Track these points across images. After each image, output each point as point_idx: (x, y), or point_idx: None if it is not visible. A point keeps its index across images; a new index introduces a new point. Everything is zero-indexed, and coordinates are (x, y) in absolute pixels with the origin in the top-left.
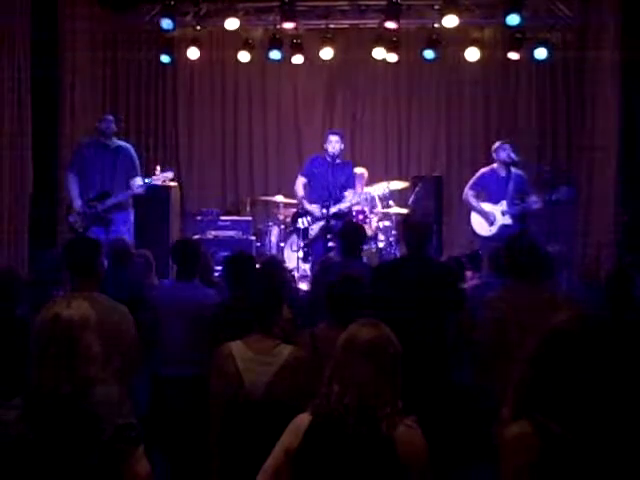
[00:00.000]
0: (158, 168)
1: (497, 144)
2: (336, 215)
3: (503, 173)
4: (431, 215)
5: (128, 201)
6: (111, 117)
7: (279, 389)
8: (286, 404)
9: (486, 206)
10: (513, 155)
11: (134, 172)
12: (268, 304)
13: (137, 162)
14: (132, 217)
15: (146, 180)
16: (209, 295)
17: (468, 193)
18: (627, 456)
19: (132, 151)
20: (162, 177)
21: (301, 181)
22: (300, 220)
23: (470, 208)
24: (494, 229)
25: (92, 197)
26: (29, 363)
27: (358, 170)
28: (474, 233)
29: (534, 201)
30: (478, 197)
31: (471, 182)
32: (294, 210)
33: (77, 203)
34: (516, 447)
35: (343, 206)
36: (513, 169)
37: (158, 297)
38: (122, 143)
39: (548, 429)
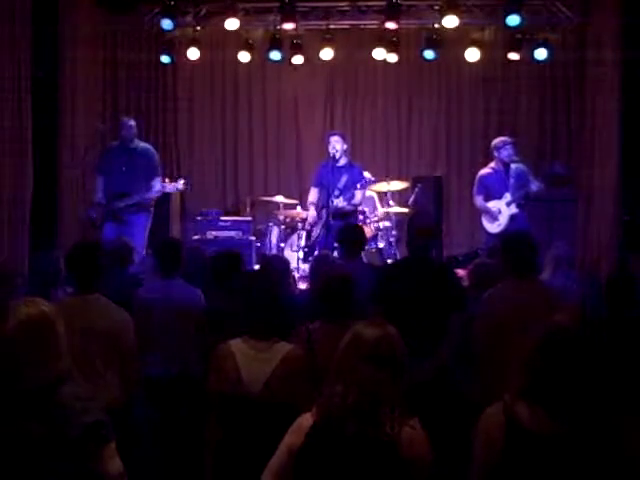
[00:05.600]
0: (179, 182)
1: (499, 140)
2: (336, 215)
3: (502, 169)
4: (431, 215)
5: (148, 203)
6: (132, 122)
7: (277, 386)
8: (284, 401)
9: (491, 203)
10: (514, 157)
11: (153, 173)
12: (266, 303)
13: (156, 162)
14: (150, 219)
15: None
16: (194, 294)
17: (477, 199)
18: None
19: (152, 152)
20: (173, 187)
21: (313, 191)
22: (307, 223)
23: (482, 211)
24: (502, 222)
25: (111, 195)
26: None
27: (367, 193)
28: (487, 233)
29: (533, 184)
30: (484, 199)
31: (475, 188)
32: (294, 210)
33: (98, 196)
34: (482, 427)
35: (355, 200)
36: (513, 164)
37: (143, 296)
38: (143, 144)
39: (515, 417)
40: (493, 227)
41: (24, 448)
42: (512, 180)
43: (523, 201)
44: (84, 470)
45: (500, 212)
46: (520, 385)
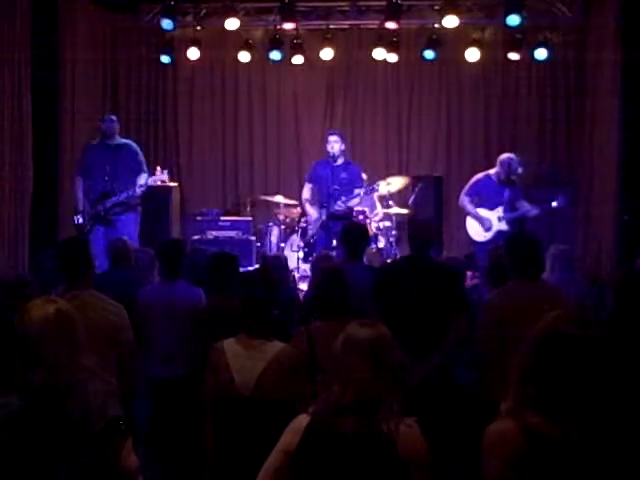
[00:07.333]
0: (158, 168)
1: (506, 157)
2: (334, 216)
3: (499, 180)
4: (431, 215)
5: (134, 201)
6: (113, 117)
7: (269, 384)
8: (276, 400)
9: (482, 212)
10: (516, 166)
11: (138, 168)
12: (260, 303)
13: (141, 158)
14: (138, 218)
15: (144, 181)
16: (197, 295)
17: (464, 199)
18: (615, 457)
19: (135, 148)
20: (158, 178)
21: (307, 187)
22: (302, 219)
23: (466, 213)
24: (489, 235)
25: (95, 198)
26: (27, 360)
27: None
28: (469, 238)
29: (529, 209)
30: (473, 202)
31: (466, 188)
32: (294, 210)
33: (81, 204)
34: (497, 444)
35: (352, 203)
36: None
37: (146, 298)
38: (124, 140)
39: (532, 428)
40: (479, 235)
41: (49, 443)
42: (507, 191)
43: (516, 221)
44: (106, 464)
45: (491, 224)
46: (522, 394)
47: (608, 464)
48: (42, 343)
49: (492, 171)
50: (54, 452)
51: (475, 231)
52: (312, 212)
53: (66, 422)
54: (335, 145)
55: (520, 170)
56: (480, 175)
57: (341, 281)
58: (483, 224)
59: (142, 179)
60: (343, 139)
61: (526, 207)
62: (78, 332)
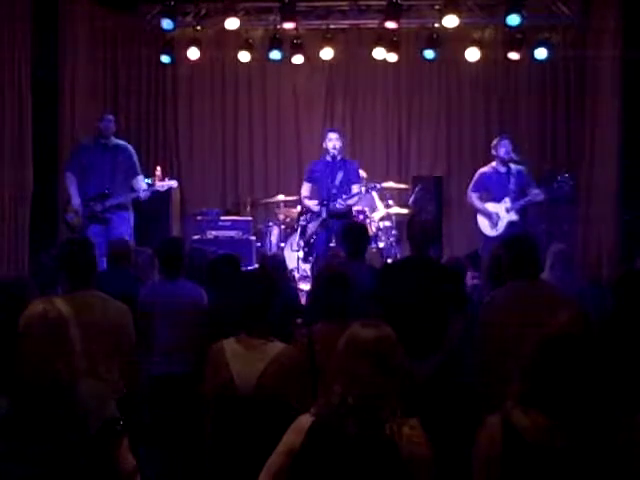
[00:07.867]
0: (158, 168)
1: (497, 140)
2: (334, 214)
3: (503, 169)
4: (431, 215)
5: (128, 201)
6: (111, 117)
7: (268, 385)
8: (276, 400)
9: (489, 206)
10: (512, 154)
11: (134, 171)
12: (260, 303)
13: (136, 161)
14: (132, 217)
15: (148, 181)
16: (197, 293)
17: (471, 195)
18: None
19: (131, 150)
20: (166, 185)
21: (306, 186)
22: (302, 218)
23: (475, 210)
24: (500, 228)
25: (91, 197)
26: (17, 360)
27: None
28: (482, 234)
29: (536, 193)
30: (481, 198)
31: (472, 183)
32: (294, 210)
33: (75, 201)
34: (480, 443)
35: (351, 201)
36: (513, 165)
37: (147, 296)
38: (120, 142)
39: (511, 424)
40: (490, 230)
41: (45, 444)
42: (513, 180)
43: (524, 209)
44: (103, 465)
45: (499, 217)
46: (519, 392)
47: (602, 465)
48: (29, 342)
49: (494, 163)
50: (51, 453)
51: (485, 226)
52: (312, 204)
53: (63, 423)
54: (337, 143)
55: (514, 156)
56: (484, 168)
57: (343, 283)
58: (491, 219)
59: (142, 182)
60: (342, 136)
61: (535, 191)
62: (71, 333)
